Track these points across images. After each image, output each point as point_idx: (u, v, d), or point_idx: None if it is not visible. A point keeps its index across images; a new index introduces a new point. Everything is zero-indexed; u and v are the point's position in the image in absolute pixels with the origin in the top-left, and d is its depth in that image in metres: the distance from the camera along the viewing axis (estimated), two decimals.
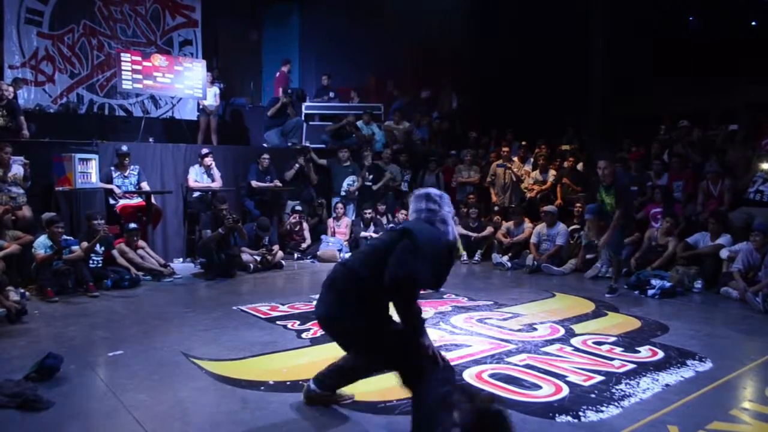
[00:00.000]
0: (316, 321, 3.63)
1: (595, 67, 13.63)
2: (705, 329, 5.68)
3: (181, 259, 9.28)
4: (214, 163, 9.31)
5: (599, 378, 4.27)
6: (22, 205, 7.47)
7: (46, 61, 11.22)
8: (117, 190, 8.52)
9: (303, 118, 11.84)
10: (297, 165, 10.15)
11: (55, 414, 3.62)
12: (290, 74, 11.75)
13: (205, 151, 9.41)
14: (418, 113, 12.93)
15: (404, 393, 3.85)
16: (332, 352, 4.79)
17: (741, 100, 12.11)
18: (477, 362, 4.60)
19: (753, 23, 13.15)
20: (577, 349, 4.98)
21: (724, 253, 7.33)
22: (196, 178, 9.26)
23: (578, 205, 9.39)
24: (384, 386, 4.07)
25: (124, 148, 8.66)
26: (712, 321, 6.18)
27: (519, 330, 5.58)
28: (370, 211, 10.11)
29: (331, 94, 12.54)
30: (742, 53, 12.53)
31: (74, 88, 11.51)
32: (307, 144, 10.93)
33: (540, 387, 4.09)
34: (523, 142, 11.75)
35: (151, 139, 9.99)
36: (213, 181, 9.31)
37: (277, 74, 12.23)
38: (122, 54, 9.72)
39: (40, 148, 8.39)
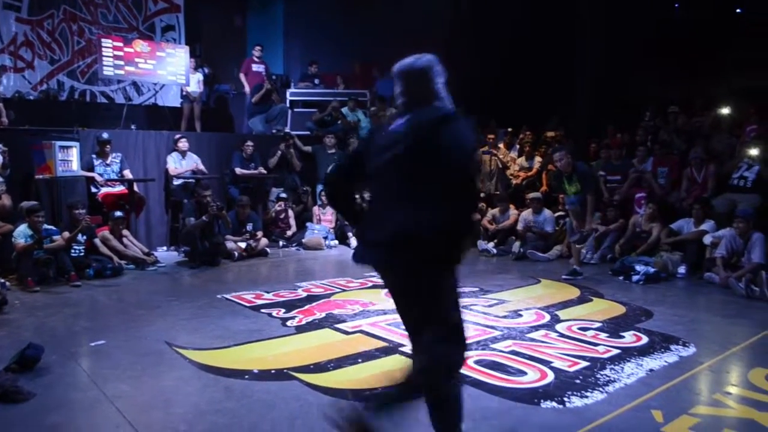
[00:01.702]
0: None
1: (581, 54, 13.61)
2: (689, 314, 5.72)
3: (164, 248, 9.22)
4: (188, 148, 9.30)
5: (584, 364, 4.28)
6: (2, 193, 7.35)
7: (25, 47, 11.02)
8: (99, 178, 8.42)
9: (288, 104, 11.75)
10: (279, 152, 10.08)
11: (37, 405, 3.57)
12: (258, 59, 11.64)
13: (178, 135, 9.42)
14: None
15: (388, 380, 3.87)
16: (318, 340, 4.82)
17: (726, 86, 12.16)
18: None
19: (738, 11, 13.18)
20: (562, 335, 4.99)
21: (707, 239, 7.38)
22: (175, 165, 9.19)
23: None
24: (370, 373, 4.08)
25: (105, 135, 8.56)
26: (696, 306, 6.24)
27: (504, 316, 5.58)
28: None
29: (316, 81, 12.45)
30: (727, 40, 12.57)
31: (54, 74, 11.33)
32: (288, 130, 10.86)
33: (525, 373, 4.10)
34: (509, 129, 11.73)
35: (133, 126, 9.87)
36: (194, 164, 9.25)
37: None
38: (103, 39, 9.55)
39: (20, 135, 8.27)
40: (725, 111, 10.19)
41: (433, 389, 2.66)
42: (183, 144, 9.23)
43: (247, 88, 11.56)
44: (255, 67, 11.64)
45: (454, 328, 2.74)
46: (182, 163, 9.24)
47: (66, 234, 7.01)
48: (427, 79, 2.80)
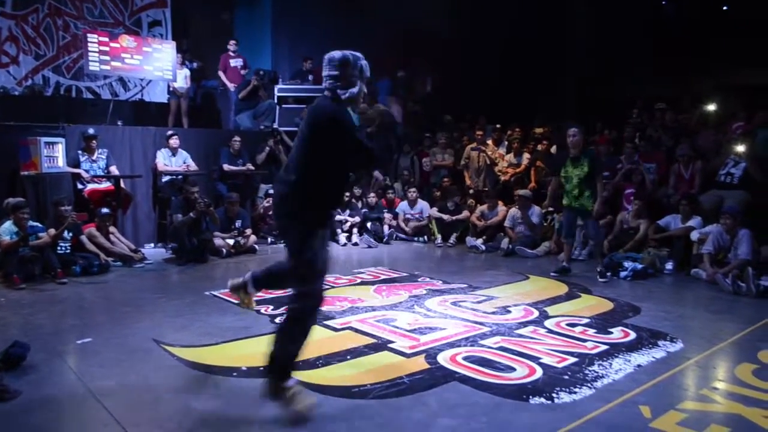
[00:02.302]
0: None
1: (570, 51, 13.67)
2: (676, 310, 5.75)
3: (152, 245, 9.16)
4: (179, 145, 9.23)
5: (572, 359, 4.29)
6: None
7: (9, 42, 10.88)
8: (85, 175, 8.35)
9: (276, 100, 11.69)
10: (267, 147, 10.04)
11: (23, 403, 3.54)
12: (234, 53, 11.64)
13: (169, 132, 9.34)
14: (392, 95, 12.86)
15: (379, 377, 3.87)
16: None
17: (712, 83, 12.25)
18: (451, 345, 4.60)
19: (724, 8, 13.28)
20: (550, 331, 5.00)
21: (694, 235, 7.42)
22: (165, 161, 9.14)
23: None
24: (357, 371, 4.07)
25: (91, 131, 8.49)
26: (683, 302, 6.26)
27: (493, 313, 5.59)
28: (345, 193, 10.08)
29: (310, 78, 12.40)
30: (714, 37, 12.66)
31: (40, 69, 11.19)
32: (276, 126, 10.82)
33: (514, 369, 4.10)
34: (498, 125, 11.75)
35: (119, 122, 9.79)
36: (185, 163, 9.20)
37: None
38: (89, 35, 9.45)
39: (5, 131, 8.16)
40: (710, 108, 10.25)
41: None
42: (174, 141, 9.17)
43: (229, 85, 11.51)
44: (232, 62, 11.60)
45: (294, 269, 3.46)
46: (172, 160, 9.19)
47: (52, 231, 6.95)
48: (340, 68, 3.41)
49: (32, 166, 7.80)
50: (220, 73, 11.69)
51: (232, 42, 11.77)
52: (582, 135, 7.19)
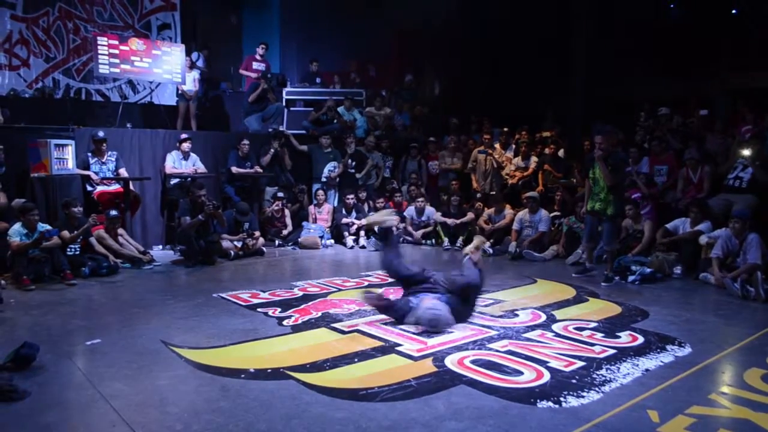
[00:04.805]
0: None
1: (576, 53, 13.62)
2: (684, 315, 5.73)
3: (160, 247, 9.20)
4: (190, 149, 9.24)
5: (580, 363, 4.28)
6: None
7: (20, 45, 10.97)
8: (94, 177, 8.39)
9: (284, 103, 11.74)
10: (272, 150, 10.06)
11: (32, 404, 3.56)
12: (260, 57, 11.71)
13: (183, 136, 9.34)
14: (400, 99, 12.90)
15: (387, 380, 3.87)
16: (314, 339, 4.81)
17: (720, 87, 12.20)
18: (459, 348, 4.59)
19: (733, 11, 13.23)
20: (558, 335, 4.99)
21: (703, 239, 7.38)
22: (174, 164, 9.17)
23: (559, 192, 9.45)
24: (365, 373, 4.07)
25: (101, 134, 8.53)
26: (692, 306, 6.24)
27: (501, 316, 5.58)
28: (351, 197, 10.11)
29: (318, 80, 12.45)
30: (722, 41, 12.62)
31: (50, 72, 11.28)
32: (282, 128, 10.84)
33: (521, 373, 4.09)
34: (505, 129, 11.74)
35: (129, 125, 9.84)
36: (193, 166, 9.23)
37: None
38: (99, 38, 9.51)
39: (15, 133, 8.22)
40: (718, 111, 10.22)
41: None
42: (186, 146, 9.20)
43: (252, 75, 11.57)
44: (255, 65, 11.64)
45: None
46: (182, 164, 9.22)
47: (66, 233, 6.98)
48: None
49: (42, 168, 7.85)
50: (242, 71, 11.74)
51: (261, 46, 11.82)
52: (608, 140, 7.08)
